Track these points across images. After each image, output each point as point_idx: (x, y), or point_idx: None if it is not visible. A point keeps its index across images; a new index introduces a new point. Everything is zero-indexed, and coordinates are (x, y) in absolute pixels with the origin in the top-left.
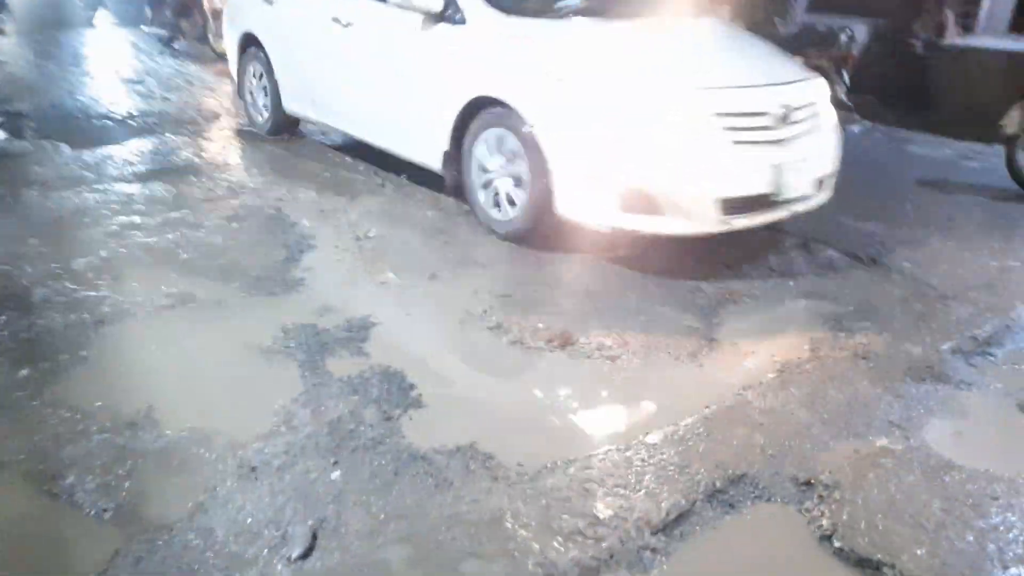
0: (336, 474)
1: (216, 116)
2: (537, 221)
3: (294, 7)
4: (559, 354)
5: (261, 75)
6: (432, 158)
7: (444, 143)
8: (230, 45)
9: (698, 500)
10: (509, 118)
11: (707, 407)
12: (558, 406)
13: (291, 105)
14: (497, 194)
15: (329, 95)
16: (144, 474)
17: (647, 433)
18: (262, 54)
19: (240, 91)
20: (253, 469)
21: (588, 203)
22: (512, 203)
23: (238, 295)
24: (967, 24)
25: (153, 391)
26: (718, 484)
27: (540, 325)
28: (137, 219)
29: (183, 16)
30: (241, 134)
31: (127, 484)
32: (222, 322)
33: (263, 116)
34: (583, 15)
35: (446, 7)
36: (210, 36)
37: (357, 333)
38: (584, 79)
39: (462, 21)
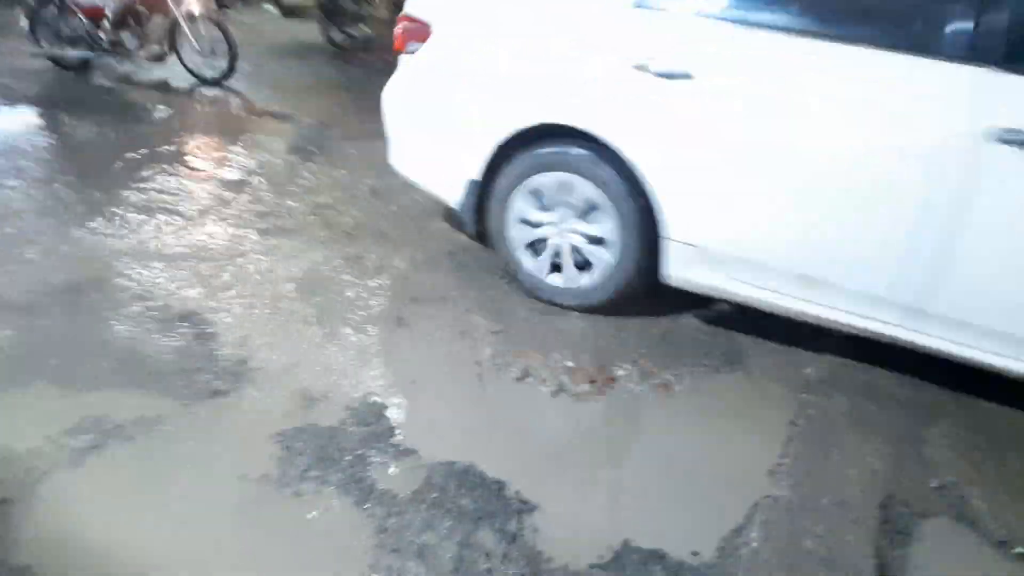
0: None
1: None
2: None
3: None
4: (612, 394)
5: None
6: None
7: None
8: (462, 147)
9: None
10: None
11: (793, 422)
12: (672, 463)
13: (697, 271)
14: None
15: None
16: None
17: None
18: (602, 173)
19: (492, 236)
20: None
21: None
22: None
23: (176, 405)
24: None
25: None
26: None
27: (569, 363)
28: None
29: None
30: None
31: None
32: (186, 452)
33: (580, 283)
34: None
35: None
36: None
37: (376, 425)
38: None
39: None
